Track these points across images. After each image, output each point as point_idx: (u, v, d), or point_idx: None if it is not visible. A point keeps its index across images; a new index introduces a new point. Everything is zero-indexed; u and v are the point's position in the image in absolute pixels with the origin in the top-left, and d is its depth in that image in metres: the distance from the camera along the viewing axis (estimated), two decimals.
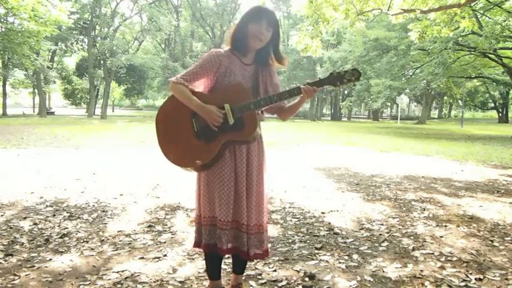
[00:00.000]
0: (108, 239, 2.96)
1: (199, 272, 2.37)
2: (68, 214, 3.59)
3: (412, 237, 3.07)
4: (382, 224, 3.42)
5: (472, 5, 9.63)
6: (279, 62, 1.96)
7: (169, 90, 1.87)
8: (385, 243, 2.92)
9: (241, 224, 1.86)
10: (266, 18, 1.82)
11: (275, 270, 2.41)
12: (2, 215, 3.52)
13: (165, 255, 2.64)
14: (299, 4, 7.47)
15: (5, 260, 2.52)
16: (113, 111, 51.71)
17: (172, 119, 1.88)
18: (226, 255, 2.09)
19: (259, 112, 1.91)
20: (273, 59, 1.95)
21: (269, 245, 2.64)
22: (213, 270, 2.05)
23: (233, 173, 1.84)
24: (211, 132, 1.80)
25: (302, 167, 6.77)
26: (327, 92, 39.89)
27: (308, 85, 1.82)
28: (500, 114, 39.72)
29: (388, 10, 7.36)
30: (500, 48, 16.17)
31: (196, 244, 1.97)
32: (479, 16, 13.90)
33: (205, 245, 1.90)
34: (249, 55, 1.91)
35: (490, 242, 2.98)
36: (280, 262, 2.54)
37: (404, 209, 3.98)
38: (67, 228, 3.20)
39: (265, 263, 2.51)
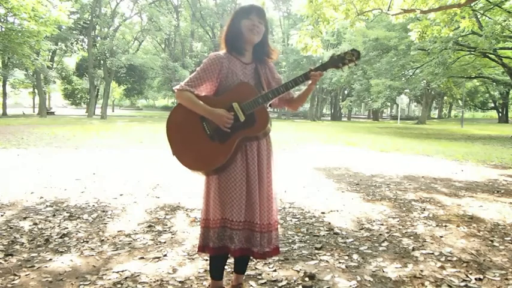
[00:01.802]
0: (108, 239, 2.96)
1: (199, 272, 2.37)
2: (68, 214, 3.59)
3: (412, 237, 3.07)
4: (382, 224, 3.42)
5: (472, 5, 9.63)
6: (269, 56, 1.99)
7: (176, 99, 1.89)
8: (385, 243, 2.92)
9: (255, 223, 1.86)
10: (256, 12, 1.87)
11: (275, 270, 2.41)
12: (2, 215, 3.52)
13: (165, 255, 2.64)
14: (299, 4, 7.46)
15: (5, 260, 2.52)
16: (113, 111, 51.69)
17: (183, 126, 1.89)
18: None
19: (268, 107, 1.93)
20: (268, 55, 1.98)
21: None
22: (216, 271, 2.03)
23: (244, 172, 1.84)
24: (224, 132, 1.81)
25: (302, 167, 6.77)
26: (327, 92, 39.90)
27: (313, 71, 1.85)
28: (500, 114, 39.71)
29: (388, 10, 7.35)
30: (500, 48, 16.17)
31: (201, 249, 1.93)
32: (479, 16, 13.89)
33: (214, 248, 1.87)
34: (247, 54, 1.94)
35: (490, 242, 2.98)
36: (280, 262, 2.54)
37: (404, 209, 3.98)
38: (67, 228, 3.20)
39: (265, 263, 2.51)
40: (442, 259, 2.62)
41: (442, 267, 2.48)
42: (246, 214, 1.85)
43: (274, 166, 1.98)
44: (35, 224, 3.30)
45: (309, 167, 6.77)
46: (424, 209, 3.94)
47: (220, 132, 1.81)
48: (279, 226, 3.30)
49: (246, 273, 2.32)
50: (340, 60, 1.87)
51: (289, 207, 3.96)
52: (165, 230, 3.19)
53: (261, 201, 1.87)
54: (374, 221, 3.51)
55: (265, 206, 1.89)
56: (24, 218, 3.44)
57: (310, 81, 1.88)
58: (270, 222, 1.91)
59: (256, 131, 1.84)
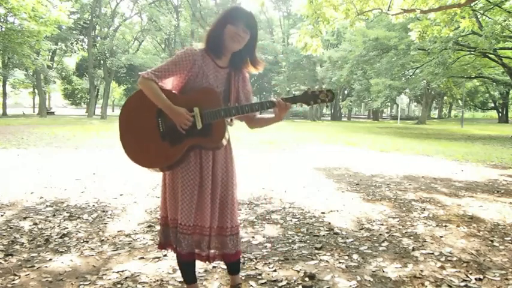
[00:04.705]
0: (108, 239, 2.96)
1: (199, 272, 2.37)
2: (68, 214, 3.59)
3: (412, 237, 3.07)
4: (382, 224, 3.42)
5: (472, 5, 9.63)
6: (254, 67, 1.90)
7: (138, 85, 1.76)
8: (385, 243, 2.92)
9: (206, 228, 1.82)
10: (244, 20, 1.76)
11: (275, 270, 2.41)
12: (2, 215, 3.52)
13: (165, 255, 2.63)
14: (299, 4, 7.47)
15: (5, 260, 2.52)
16: (113, 111, 51.68)
17: (137, 115, 1.80)
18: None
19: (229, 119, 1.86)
20: (248, 64, 1.89)
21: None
22: (187, 275, 1.99)
23: (198, 176, 1.79)
24: (177, 134, 1.73)
25: (302, 167, 6.77)
26: None
27: (282, 100, 1.78)
28: (500, 114, 39.69)
29: (388, 10, 7.35)
30: (500, 48, 16.17)
31: (162, 246, 1.93)
32: (479, 16, 13.89)
33: (175, 248, 1.86)
34: (224, 58, 1.83)
35: (490, 242, 2.98)
36: (280, 262, 2.54)
37: (404, 209, 3.98)
38: (67, 228, 3.20)
39: (265, 263, 2.51)
40: (442, 259, 2.62)
41: (442, 267, 2.48)
42: (196, 218, 1.81)
43: (235, 170, 1.93)
44: (35, 224, 3.30)
45: (309, 167, 6.77)
46: (424, 209, 3.94)
47: (174, 133, 1.73)
48: (279, 227, 3.32)
49: (246, 273, 2.33)
50: (312, 97, 1.79)
51: (289, 207, 3.96)
52: None
53: (214, 206, 1.83)
54: (374, 221, 3.51)
55: (228, 210, 1.86)
56: (24, 218, 3.44)
57: (277, 109, 1.77)
58: (232, 226, 1.89)
59: (210, 143, 1.76)
